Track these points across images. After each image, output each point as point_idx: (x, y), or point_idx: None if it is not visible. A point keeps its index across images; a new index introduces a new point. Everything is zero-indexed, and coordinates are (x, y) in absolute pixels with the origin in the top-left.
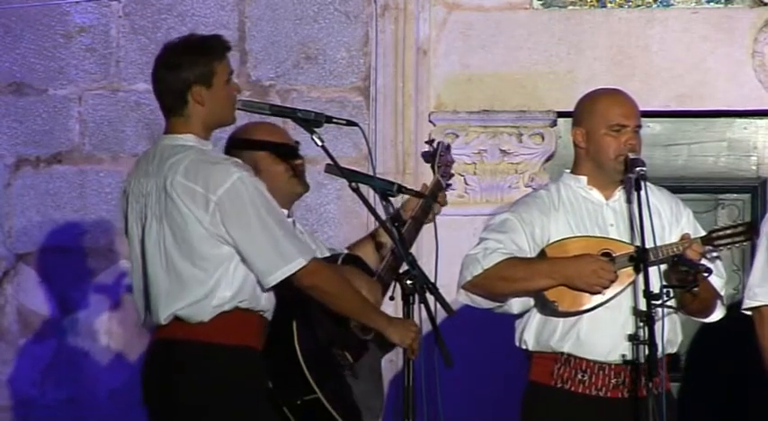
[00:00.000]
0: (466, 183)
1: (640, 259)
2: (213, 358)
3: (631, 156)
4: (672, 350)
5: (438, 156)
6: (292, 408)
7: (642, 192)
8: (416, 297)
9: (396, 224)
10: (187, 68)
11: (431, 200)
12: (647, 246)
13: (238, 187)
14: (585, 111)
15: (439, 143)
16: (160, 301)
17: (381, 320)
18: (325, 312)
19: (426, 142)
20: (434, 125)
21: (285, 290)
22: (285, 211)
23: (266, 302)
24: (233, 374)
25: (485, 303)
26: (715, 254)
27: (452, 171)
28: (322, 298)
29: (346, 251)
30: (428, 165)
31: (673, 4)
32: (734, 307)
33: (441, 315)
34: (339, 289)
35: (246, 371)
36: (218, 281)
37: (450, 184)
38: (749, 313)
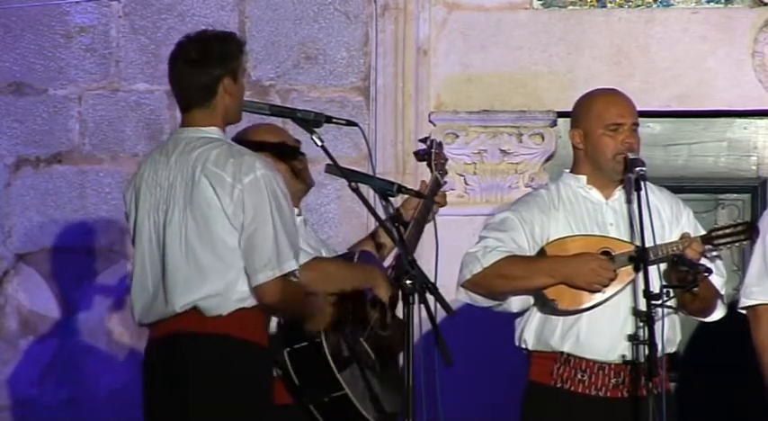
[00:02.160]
0: (466, 183)
1: (640, 258)
2: (227, 351)
3: (631, 156)
4: (671, 349)
5: (433, 154)
6: (319, 406)
7: (642, 192)
8: (416, 297)
9: (396, 224)
10: (218, 61)
11: (431, 199)
12: (647, 246)
13: (260, 182)
14: (582, 113)
15: (432, 140)
16: (177, 289)
17: (367, 281)
18: (348, 309)
19: (420, 140)
20: (434, 125)
21: None
22: (295, 210)
23: None
24: (249, 369)
25: (484, 301)
26: (715, 253)
27: (449, 169)
28: (283, 313)
29: (358, 250)
30: (426, 165)
31: (673, 4)
32: (733, 306)
33: (441, 314)
34: (296, 304)
35: (259, 367)
36: (238, 274)
37: (446, 182)
38: (745, 312)
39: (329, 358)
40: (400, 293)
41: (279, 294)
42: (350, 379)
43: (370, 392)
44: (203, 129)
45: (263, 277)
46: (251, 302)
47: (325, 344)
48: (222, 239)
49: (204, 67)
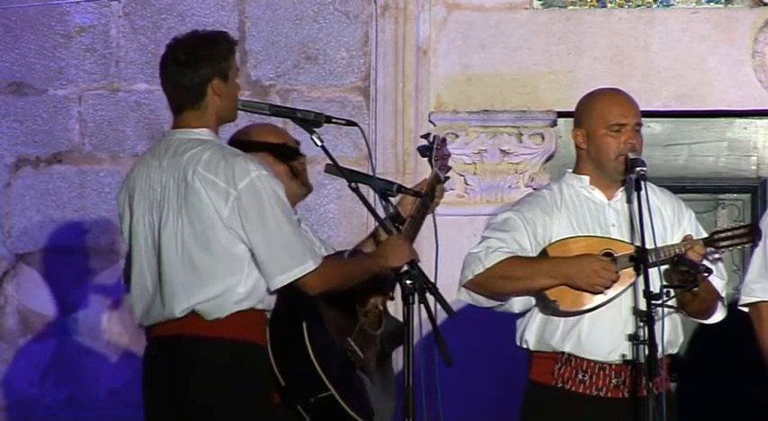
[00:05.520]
0: (466, 183)
1: (640, 258)
2: (225, 354)
3: (631, 156)
4: (673, 350)
5: (435, 150)
6: (306, 407)
7: (642, 192)
8: (416, 297)
9: (396, 224)
10: (206, 62)
11: (429, 196)
12: (650, 247)
13: (257, 184)
14: (584, 113)
15: (435, 136)
16: (176, 294)
17: (377, 263)
18: (335, 309)
19: (422, 136)
20: (434, 125)
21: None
22: None
23: (272, 301)
24: (246, 371)
25: (486, 302)
26: (717, 255)
27: (451, 166)
28: (331, 292)
29: (349, 250)
30: (428, 165)
31: (673, 4)
32: (734, 306)
33: (441, 315)
34: (343, 280)
35: (259, 368)
36: (236, 280)
37: (448, 177)
38: (746, 309)
39: (313, 358)
40: (400, 292)
41: (319, 285)
42: (337, 378)
43: (359, 392)
44: (194, 130)
45: (297, 273)
46: (249, 304)
47: (309, 345)
48: (219, 243)
49: (192, 69)
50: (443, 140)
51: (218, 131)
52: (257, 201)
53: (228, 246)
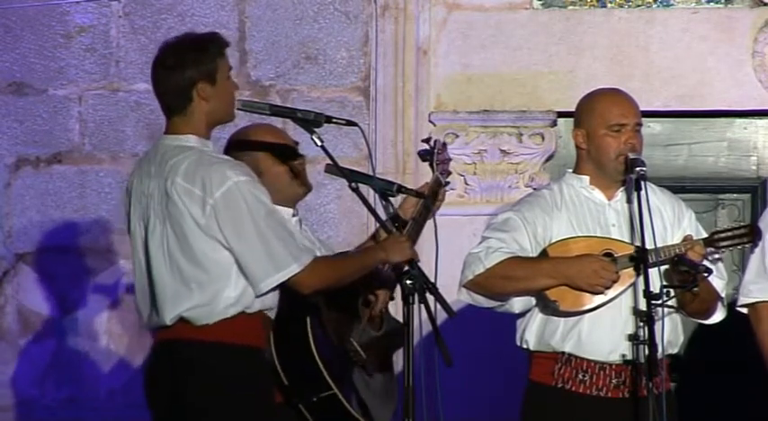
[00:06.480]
0: (466, 183)
1: (641, 259)
2: (221, 358)
3: (631, 156)
4: (673, 350)
5: (435, 154)
6: (308, 406)
7: (642, 192)
8: (416, 297)
9: (396, 224)
10: (191, 66)
11: (431, 199)
12: (650, 247)
13: (234, 192)
14: (585, 112)
15: (435, 141)
16: (166, 303)
17: (377, 256)
18: (338, 309)
19: (423, 140)
20: (434, 125)
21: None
22: (290, 210)
23: (271, 301)
24: (242, 374)
25: (486, 302)
26: (717, 255)
27: (451, 169)
28: (326, 290)
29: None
30: (428, 165)
31: (673, 4)
32: (733, 306)
33: (441, 315)
34: (338, 276)
35: (255, 371)
36: (223, 285)
37: (448, 182)
38: (744, 310)
39: (317, 357)
40: (400, 292)
41: (311, 284)
42: (339, 378)
43: (361, 391)
44: (181, 137)
45: (279, 278)
46: (238, 309)
47: (312, 344)
48: (203, 252)
49: (178, 72)
50: (444, 145)
51: (209, 134)
52: (235, 208)
53: (211, 253)
